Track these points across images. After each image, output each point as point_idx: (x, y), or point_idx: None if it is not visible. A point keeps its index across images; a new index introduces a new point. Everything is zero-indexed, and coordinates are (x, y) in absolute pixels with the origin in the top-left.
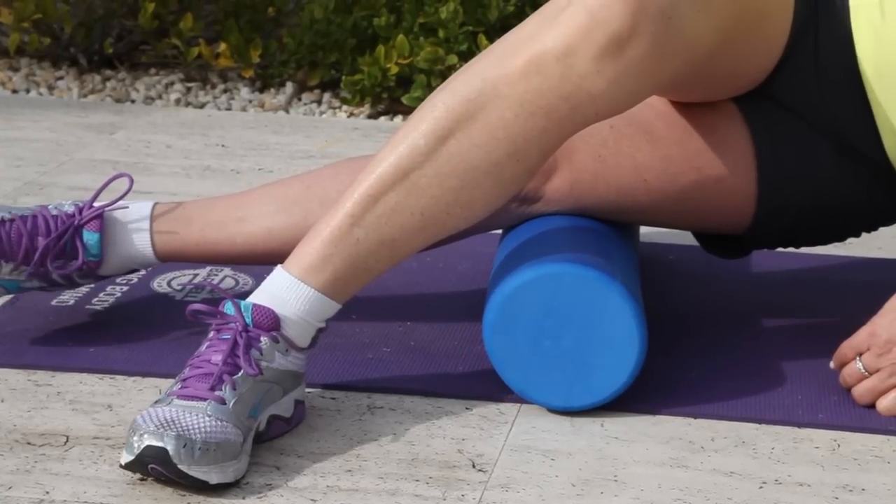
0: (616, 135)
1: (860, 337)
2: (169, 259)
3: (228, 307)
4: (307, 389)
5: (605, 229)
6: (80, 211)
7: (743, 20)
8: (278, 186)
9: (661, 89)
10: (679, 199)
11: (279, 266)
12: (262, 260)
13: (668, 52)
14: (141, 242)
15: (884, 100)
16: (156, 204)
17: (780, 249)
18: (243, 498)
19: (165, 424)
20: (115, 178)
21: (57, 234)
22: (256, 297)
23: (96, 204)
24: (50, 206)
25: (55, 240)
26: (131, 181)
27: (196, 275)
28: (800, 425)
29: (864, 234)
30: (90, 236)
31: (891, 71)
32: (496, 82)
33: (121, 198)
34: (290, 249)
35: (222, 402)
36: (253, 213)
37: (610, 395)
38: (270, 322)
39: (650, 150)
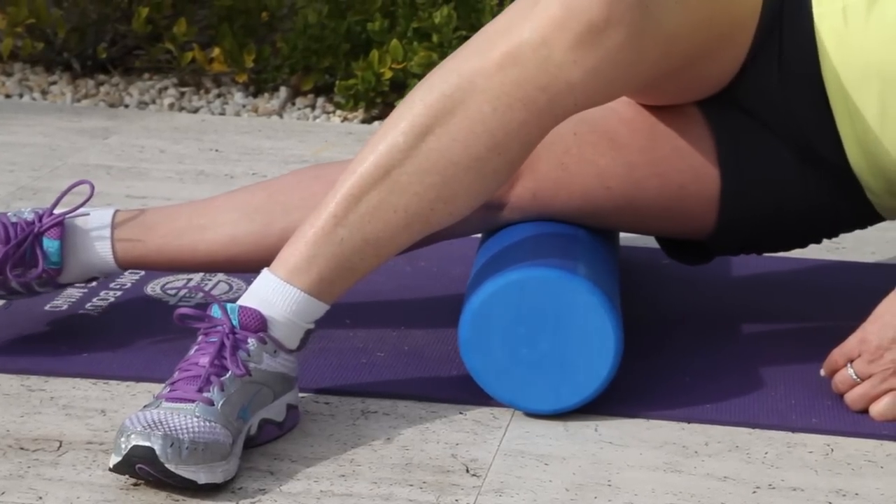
0: (579, 142)
1: (850, 344)
2: (130, 267)
3: (215, 310)
4: (300, 394)
5: (573, 231)
6: (40, 218)
7: (717, 20)
8: (241, 194)
9: (638, 84)
10: (642, 205)
11: (265, 269)
12: (224, 267)
13: (646, 42)
14: (102, 250)
15: (846, 107)
16: (117, 211)
17: (774, 254)
18: (237, 503)
19: (153, 425)
20: (75, 185)
21: (16, 242)
22: (244, 300)
23: (56, 211)
24: (9, 214)
25: (15, 247)
26: (92, 188)
27: (189, 279)
28: (793, 430)
29: (856, 239)
30: (50, 244)
31: (853, 78)
32: (472, 76)
33: (82, 205)
34: (252, 257)
35: (210, 403)
36: (215, 221)
37: (597, 389)
38: (257, 323)
39: (613, 157)
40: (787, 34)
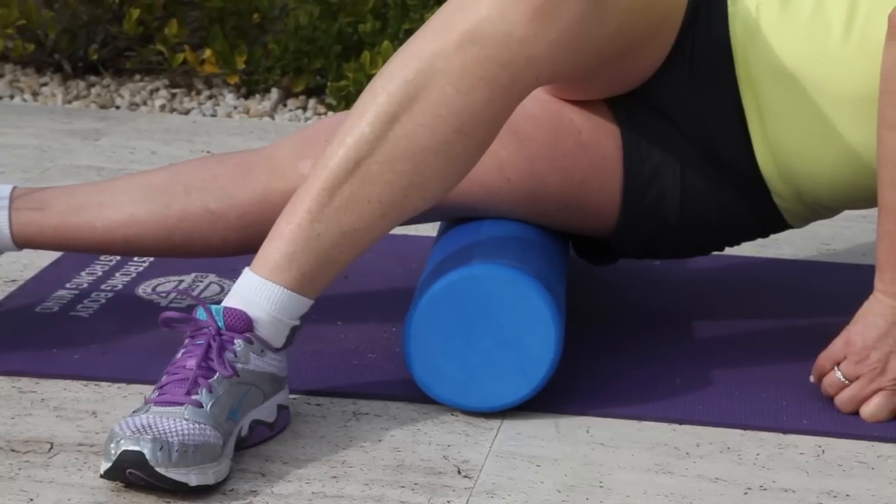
0: None
1: (836, 346)
2: (27, 245)
3: (200, 313)
4: (292, 396)
5: (476, 227)
6: None
7: (657, 3)
8: (142, 174)
9: (595, 60)
10: (544, 198)
11: (247, 268)
12: (122, 248)
13: (603, 13)
14: (0, 225)
15: (756, 107)
16: (15, 187)
17: (766, 255)
18: None
19: (142, 429)
20: None
21: None
22: (228, 301)
23: None
24: None
25: None
26: None
27: (181, 281)
28: (784, 431)
29: (847, 241)
30: None
31: (764, 77)
32: (432, 59)
33: None
34: (152, 238)
35: (199, 405)
36: (115, 199)
37: (556, 349)
38: (243, 324)
39: (516, 149)
40: (700, 33)
